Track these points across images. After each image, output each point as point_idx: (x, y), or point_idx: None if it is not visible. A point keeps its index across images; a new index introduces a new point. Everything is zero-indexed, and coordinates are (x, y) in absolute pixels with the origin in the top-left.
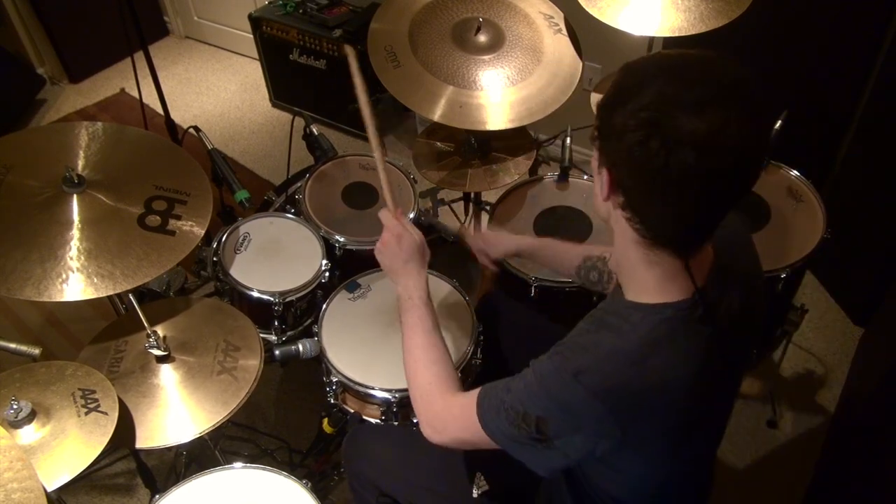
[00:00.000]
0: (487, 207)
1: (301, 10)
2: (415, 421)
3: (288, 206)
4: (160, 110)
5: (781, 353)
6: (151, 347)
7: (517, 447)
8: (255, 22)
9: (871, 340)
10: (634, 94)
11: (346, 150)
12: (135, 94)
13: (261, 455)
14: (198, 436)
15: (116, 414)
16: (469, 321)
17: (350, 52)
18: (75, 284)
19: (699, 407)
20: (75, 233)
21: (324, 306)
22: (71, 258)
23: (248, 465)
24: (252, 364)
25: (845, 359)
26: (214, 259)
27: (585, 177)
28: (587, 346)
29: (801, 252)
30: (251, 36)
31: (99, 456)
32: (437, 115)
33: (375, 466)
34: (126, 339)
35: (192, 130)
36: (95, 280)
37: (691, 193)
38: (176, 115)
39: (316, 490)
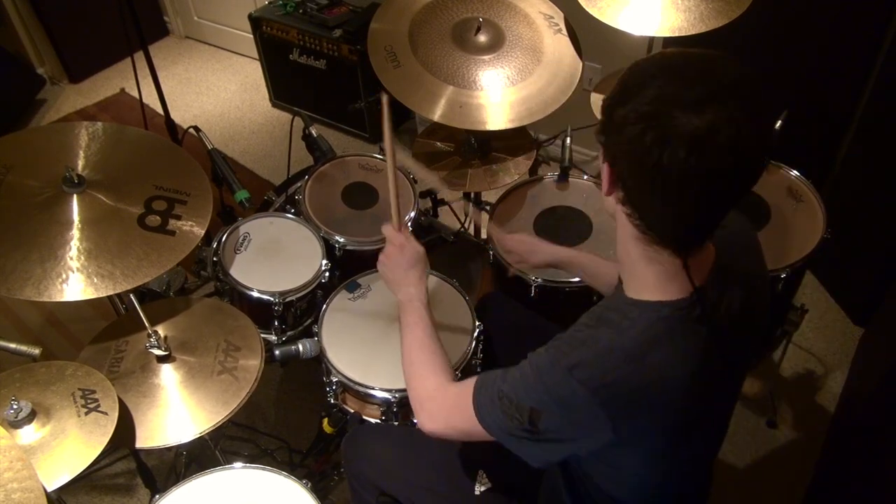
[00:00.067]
0: (487, 207)
1: (301, 10)
2: (415, 421)
3: (288, 206)
4: (160, 110)
5: (781, 353)
6: (152, 347)
7: (510, 438)
8: (255, 22)
9: (871, 340)
10: (637, 92)
11: (346, 150)
12: (135, 94)
13: (261, 455)
14: (198, 436)
15: (116, 414)
16: (469, 321)
17: (385, 101)
18: (75, 284)
19: (697, 407)
20: (75, 233)
21: (324, 306)
22: (71, 258)
23: (248, 465)
24: (252, 364)
25: (845, 359)
26: (214, 259)
27: (585, 177)
28: (584, 341)
29: (801, 252)
30: (251, 36)
31: (99, 456)
32: (437, 115)
33: (375, 466)
34: (126, 339)
35: (192, 130)
36: (95, 280)
37: (689, 191)
38: (176, 115)
39: (316, 490)
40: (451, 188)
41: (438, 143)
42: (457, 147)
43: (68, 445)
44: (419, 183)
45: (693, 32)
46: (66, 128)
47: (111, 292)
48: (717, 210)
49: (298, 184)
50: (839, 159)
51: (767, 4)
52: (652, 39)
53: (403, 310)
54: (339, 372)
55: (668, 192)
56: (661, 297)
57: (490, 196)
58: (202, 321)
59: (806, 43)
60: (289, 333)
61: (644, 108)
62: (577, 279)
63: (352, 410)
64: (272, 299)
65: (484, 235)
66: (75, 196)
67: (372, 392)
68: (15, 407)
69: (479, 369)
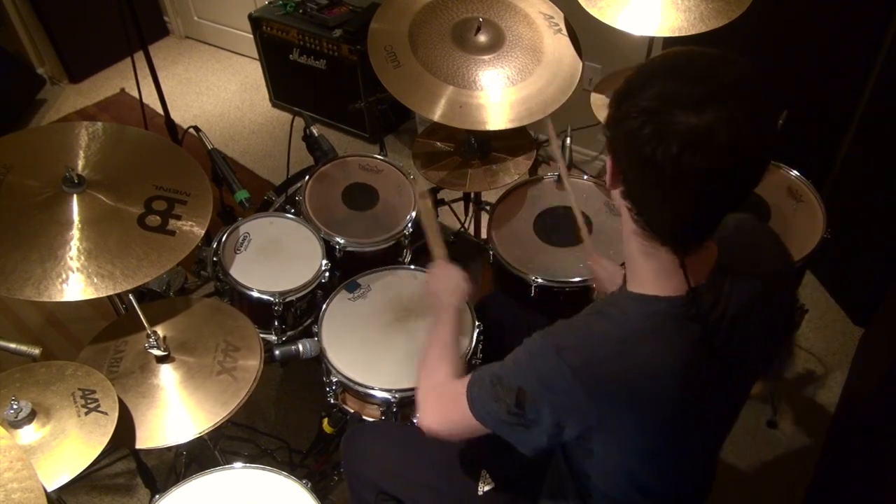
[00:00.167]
0: (487, 207)
1: (301, 10)
2: (414, 421)
3: (288, 207)
4: (160, 110)
5: None
6: (151, 348)
7: (501, 426)
8: (255, 22)
9: (871, 340)
10: (641, 89)
11: (346, 150)
12: (135, 94)
13: (261, 455)
14: (197, 436)
15: (116, 414)
16: (469, 321)
17: (423, 203)
18: (75, 284)
19: (688, 404)
20: (75, 233)
21: (324, 306)
22: (71, 258)
23: (248, 465)
24: (252, 364)
25: (845, 359)
26: (214, 259)
27: (585, 177)
28: (578, 327)
29: (801, 252)
30: (251, 36)
31: (99, 456)
32: (437, 115)
33: (375, 465)
34: (126, 340)
35: (192, 130)
36: (95, 280)
37: (684, 189)
38: (176, 115)
39: (316, 490)
40: (451, 188)
41: (438, 143)
42: (457, 147)
43: (68, 445)
44: (419, 183)
45: (693, 32)
46: (66, 128)
47: (111, 292)
48: (715, 210)
49: (298, 184)
50: (839, 159)
51: (767, 4)
52: (652, 39)
53: (436, 315)
54: (339, 372)
55: (662, 189)
56: (658, 292)
57: (490, 196)
58: (202, 321)
59: (806, 43)
60: (289, 333)
61: (645, 104)
62: (577, 279)
63: (352, 410)
64: (272, 299)
65: (484, 235)
66: (75, 196)
67: (372, 392)
68: (15, 407)
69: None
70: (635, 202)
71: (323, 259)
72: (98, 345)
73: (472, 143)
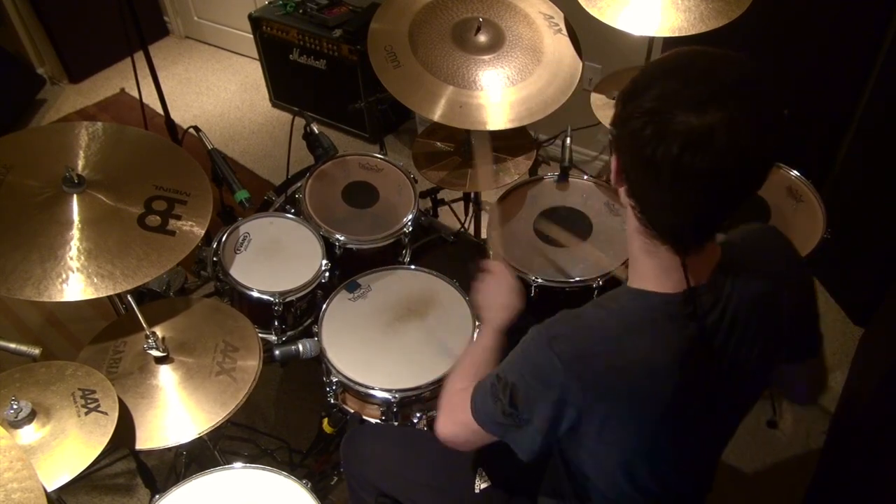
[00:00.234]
0: (487, 207)
1: (301, 10)
2: (414, 421)
3: (288, 206)
4: (160, 110)
5: None
6: (150, 349)
7: (497, 427)
8: (255, 22)
9: (871, 340)
10: (645, 89)
11: (346, 149)
12: (135, 94)
13: (261, 455)
14: (197, 436)
15: (116, 414)
16: (469, 321)
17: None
18: (75, 284)
19: (683, 404)
20: (75, 233)
21: (324, 306)
22: (71, 258)
23: (248, 465)
24: (250, 365)
25: (845, 359)
26: (214, 259)
27: (585, 177)
28: (572, 318)
29: (801, 252)
30: (251, 36)
31: (99, 456)
32: (437, 115)
33: (374, 467)
34: (125, 340)
35: (192, 130)
36: (95, 280)
37: (684, 189)
38: (176, 115)
39: (316, 490)
40: (451, 188)
41: (438, 143)
42: (457, 147)
43: (68, 445)
44: (419, 182)
45: (693, 32)
46: (66, 128)
47: (111, 292)
48: (715, 210)
49: (298, 183)
50: (839, 159)
51: (767, 4)
52: (652, 39)
53: (482, 327)
54: (339, 372)
55: (663, 188)
56: (656, 288)
57: (490, 196)
58: (201, 322)
59: (806, 43)
60: (289, 333)
61: (648, 104)
62: (576, 279)
63: (352, 410)
64: (272, 299)
65: (484, 235)
66: (75, 196)
67: (372, 392)
68: (15, 407)
69: None
70: (638, 201)
71: (323, 259)
72: (98, 345)
73: (473, 143)
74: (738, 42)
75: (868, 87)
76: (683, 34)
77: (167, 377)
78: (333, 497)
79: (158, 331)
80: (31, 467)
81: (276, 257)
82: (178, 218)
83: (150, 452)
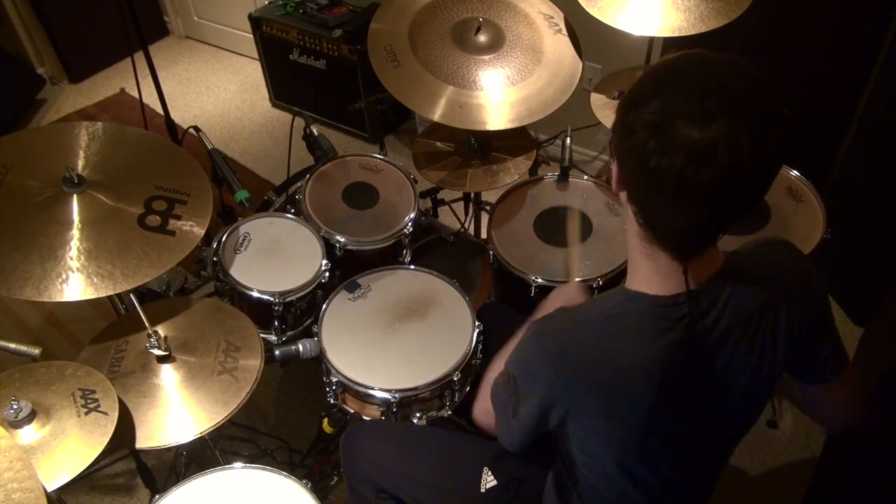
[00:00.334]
0: (487, 207)
1: (301, 10)
2: (414, 421)
3: (288, 206)
4: (160, 110)
5: None
6: (152, 347)
7: (505, 417)
8: (255, 22)
9: (871, 340)
10: (648, 98)
11: (346, 150)
12: (135, 94)
13: (261, 455)
14: (198, 436)
15: (116, 414)
16: (469, 321)
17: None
18: (75, 284)
19: (667, 403)
20: (75, 233)
21: (324, 306)
22: (71, 258)
23: (248, 465)
24: (252, 364)
25: None
26: (214, 259)
27: (585, 177)
28: (561, 315)
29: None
30: (251, 36)
31: (99, 456)
32: (437, 115)
33: (374, 464)
34: (126, 339)
35: (192, 130)
36: (95, 280)
37: (688, 200)
38: (176, 115)
39: (316, 490)
40: (451, 188)
41: (438, 143)
42: (457, 147)
43: (68, 445)
44: (419, 183)
45: (693, 32)
46: (66, 128)
47: (111, 292)
48: (718, 220)
49: (299, 184)
50: (839, 159)
51: (767, 4)
52: (652, 39)
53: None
54: (339, 372)
55: (666, 199)
56: (651, 291)
57: (490, 196)
58: (202, 321)
59: (806, 43)
60: (289, 333)
61: (650, 116)
62: (576, 279)
63: (352, 410)
64: (272, 299)
65: (484, 235)
66: (75, 196)
67: (372, 392)
68: (15, 407)
69: (479, 370)
70: (639, 207)
71: (323, 259)
72: (98, 345)
73: (472, 143)
74: (738, 42)
75: (868, 87)
76: (683, 34)
77: (169, 376)
78: (333, 497)
79: (160, 330)
80: (31, 467)
81: (276, 257)
82: (178, 218)
83: (150, 452)
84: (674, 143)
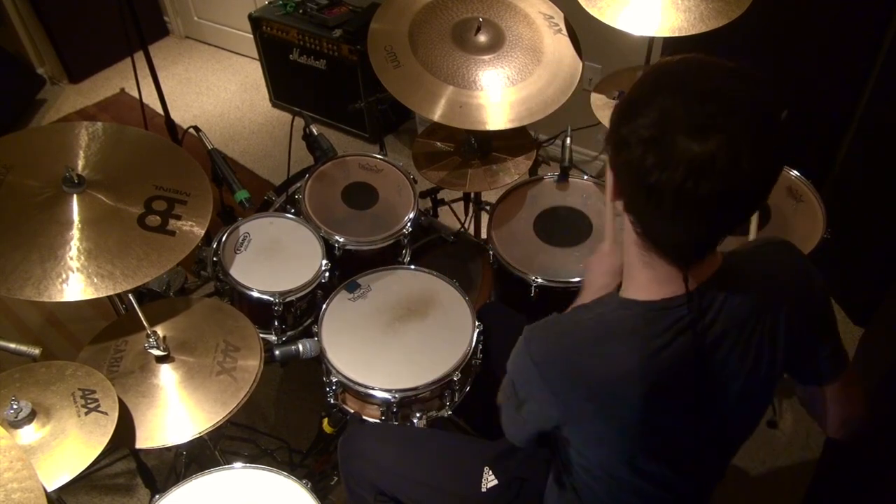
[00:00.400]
0: (487, 207)
1: (301, 10)
2: (414, 421)
3: (288, 206)
4: (160, 110)
5: None
6: (151, 348)
7: (509, 413)
8: (255, 22)
9: (871, 340)
10: (642, 108)
11: (346, 150)
12: (135, 94)
13: (261, 455)
14: (197, 436)
15: (116, 414)
16: (469, 321)
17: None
18: (75, 284)
19: (660, 407)
20: (75, 233)
21: (324, 306)
22: (71, 258)
23: (248, 465)
24: (252, 364)
25: None
26: (214, 259)
27: (585, 177)
28: (552, 321)
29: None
30: (251, 36)
31: (99, 456)
32: (437, 115)
33: (373, 465)
34: (126, 339)
35: (192, 130)
36: (95, 280)
37: (687, 212)
38: (176, 115)
39: (316, 490)
40: (451, 188)
41: (438, 143)
42: (457, 147)
43: (68, 445)
44: (419, 183)
45: (693, 32)
46: (66, 128)
47: (111, 292)
48: (719, 229)
49: (298, 184)
50: (839, 159)
51: (767, 4)
52: (652, 39)
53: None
54: (339, 372)
55: (665, 211)
56: (646, 297)
57: (490, 196)
58: (202, 321)
59: (806, 43)
60: (289, 333)
61: (647, 131)
62: (577, 279)
63: (352, 410)
64: (272, 299)
65: (484, 235)
66: (75, 196)
67: (372, 392)
68: (15, 407)
69: (479, 370)
70: (637, 218)
71: (323, 259)
72: (98, 345)
73: (472, 143)
74: (738, 42)
75: (868, 87)
76: (683, 34)
77: (168, 376)
78: (333, 497)
79: (159, 330)
80: (31, 467)
81: (276, 257)
82: (178, 218)
83: (149, 452)
84: (673, 157)
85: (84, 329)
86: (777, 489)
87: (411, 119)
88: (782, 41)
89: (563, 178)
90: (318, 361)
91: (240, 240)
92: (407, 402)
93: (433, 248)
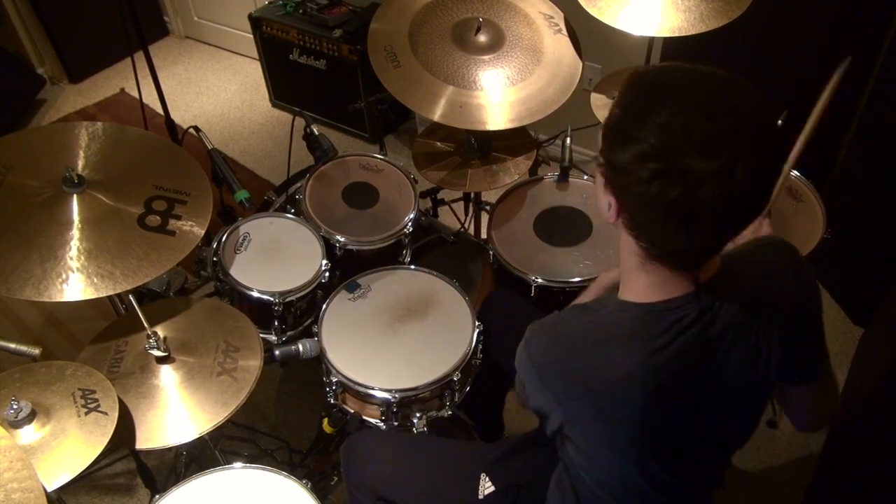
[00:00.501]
0: (487, 207)
1: (301, 10)
2: (414, 421)
3: (288, 206)
4: (160, 110)
5: None
6: (151, 348)
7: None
8: (255, 22)
9: (871, 340)
10: (637, 130)
11: (347, 150)
12: (135, 94)
13: (261, 455)
14: (198, 436)
15: (116, 414)
16: (469, 321)
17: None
18: (75, 284)
19: (662, 409)
20: (75, 233)
21: (324, 306)
22: (71, 258)
23: (248, 465)
24: (252, 365)
25: (845, 359)
26: (214, 259)
27: (585, 177)
28: (552, 322)
29: (801, 252)
30: (251, 36)
31: (99, 456)
32: (437, 115)
33: (374, 471)
34: (126, 340)
35: (192, 130)
36: (95, 280)
37: (698, 228)
38: (176, 115)
39: (316, 490)
40: (451, 188)
41: (438, 143)
42: (457, 147)
43: (68, 445)
44: (419, 182)
45: (693, 32)
46: (66, 128)
47: (111, 292)
48: (724, 237)
49: (299, 184)
50: (839, 159)
51: (767, 4)
52: (652, 39)
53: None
54: (339, 372)
55: (670, 228)
56: (645, 300)
57: (490, 196)
58: (202, 321)
59: (806, 43)
60: (289, 333)
61: (651, 150)
62: (577, 279)
63: (352, 410)
64: (272, 299)
65: (484, 235)
66: (75, 196)
67: (372, 392)
68: (15, 407)
69: (479, 369)
70: (641, 232)
71: (323, 259)
72: (98, 345)
73: (472, 143)
74: (738, 42)
75: (868, 87)
76: (683, 34)
77: (168, 377)
78: (333, 497)
79: (159, 330)
80: (31, 467)
81: (276, 257)
82: (178, 218)
83: (150, 452)
84: (684, 178)
85: (84, 329)
86: (777, 489)
87: (411, 119)
88: (782, 41)
89: (563, 178)
90: (318, 361)
91: (240, 240)
92: (407, 402)
93: (433, 248)
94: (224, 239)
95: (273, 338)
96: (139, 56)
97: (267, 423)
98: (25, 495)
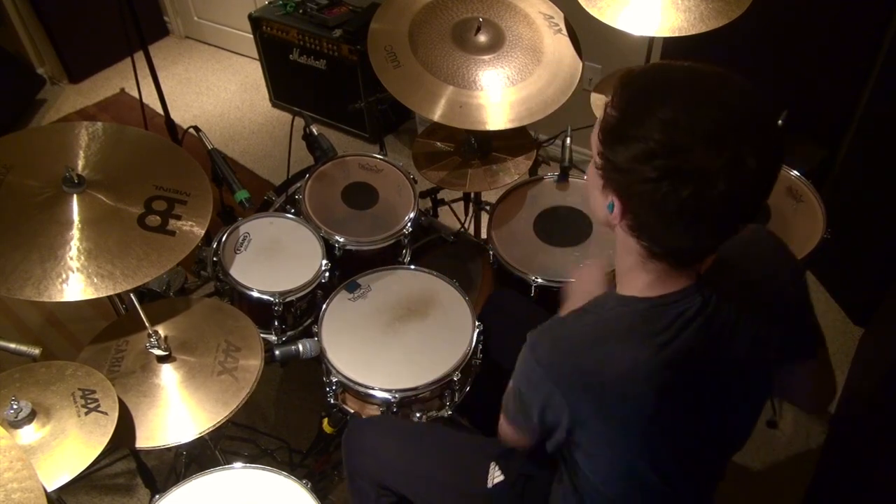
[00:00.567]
0: (487, 207)
1: (301, 10)
2: (413, 420)
3: (288, 206)
4: (160, 110)
5: None
6: (152, 347)
7: (515, 423)
8: (255, 22)
9: (871, 340)
10: (638, 130)
11: (346, 150)
12: (135, 94)
13: (261, 455)
14: (198, 436)
15: (116, 414)
16: (469, 321)
17: None
18: (75, 284)
19: (667, 405)
20: (75, 233)
21: (324, 306)
22: (71, 258)
23: (248, 465)
24: (253, 364)
25: (845, 359)
26: (214, 259)
27: (585, 177)
28: (555, 324)
29: (801, 252)
30: (251, 36)
31: (99, 456)
32: (437, 115)
33: (377, 460)
34: (127, 339)
35: (192, 130)
36: (95, 280)
37: (704, 228)
38: (176, 115)
39: (316, 490)
40: (451, 188)
41: (438, 143)
42: (457, 147)
43: (68, 445)
44: (419, 183)
45: (693, 32)
46: (66, 128)
47: (111, 292)
48: (726, 235)
49: (298, 184)
50: (839, 159)
51: (767, 4)
52: (652, 39)
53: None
54: (339, 372)
55: (676, 228)
56: (640, 294)
57: (490, 196)
58: (202, 321)
59: (806, 43)
60: (289, 333)
61: (659, 159)
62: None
63: (352, 410)
64: (272, 299)
65: (484, 235)
66: (75, 196)
67: (372, 392)
68: (15, 407)
69: (479, 370)
70: (644, 233)
71: (323, 259)
72: (98, 345)
73: (472, 143)
74: (738, 42)
75: (868, 87)
76: (683, 34)
77: (169, 376)
78: (333, 497)
79: (160, 330)
80: (31, 467)
81: (276, 257)
82: (178, 218)
83: (150, 452)
84: (691, 178)
85: (84, 329)
86: (777, 489)
87: (411, 119)
88: (782, 41)
89: (563, 178)
90: (318, 361)
91: (240, 240)
92: (407, 402)
93: (433, 248)
94: (224, 239)
95: (273, 338)
96: (139, 56)
97: (267, 423)
98: (25, 495)
